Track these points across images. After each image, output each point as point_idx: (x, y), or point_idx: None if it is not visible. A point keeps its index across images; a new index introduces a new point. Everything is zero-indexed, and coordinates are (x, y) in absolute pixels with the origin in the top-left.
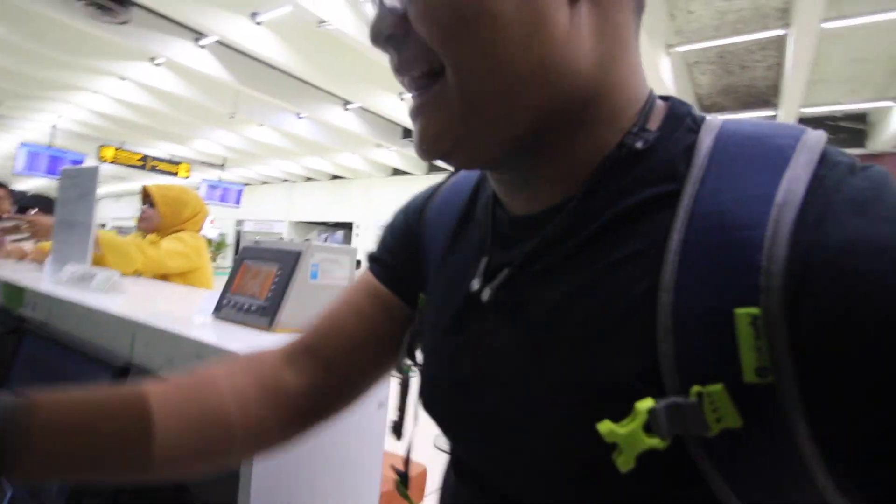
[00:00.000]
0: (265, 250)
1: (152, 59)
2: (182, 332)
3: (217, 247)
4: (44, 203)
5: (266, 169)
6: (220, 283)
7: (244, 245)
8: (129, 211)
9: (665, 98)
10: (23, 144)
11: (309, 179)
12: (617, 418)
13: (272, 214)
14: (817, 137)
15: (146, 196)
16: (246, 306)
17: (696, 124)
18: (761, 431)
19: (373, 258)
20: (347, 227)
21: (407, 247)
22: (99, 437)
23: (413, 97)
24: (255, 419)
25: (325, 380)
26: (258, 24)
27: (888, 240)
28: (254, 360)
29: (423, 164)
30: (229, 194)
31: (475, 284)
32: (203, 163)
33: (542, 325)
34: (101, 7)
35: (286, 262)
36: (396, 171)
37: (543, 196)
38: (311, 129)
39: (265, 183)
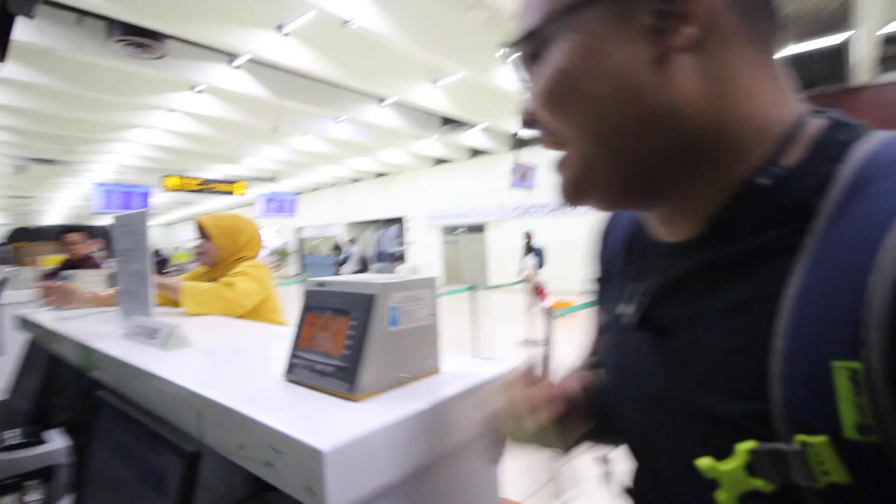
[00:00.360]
0: (333, 294)
1: (193, 88)
2: (252, 415)
3: (281, 256)
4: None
5: (315, 175)
6: (287, 294)
7: (307, 289)
8: (188, 236)
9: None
10: (97, 185)
11: (356, 180)
12: (728, 453)
13: (327, 218)
14: None
15: (201, 229)
16: (320, 366)
17: (841, 150)
18: (869, 490)
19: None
20: (398, 221)
21: (600, 268)
22: None
23: (549, 145)
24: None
25: None
26: (285, 35)
27: None
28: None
29: (466, 150)
30: (284, 205)
31: (621, 307)
32: (256, 178)
33: (673, 353)
34: (137, 45)
35: (359, 308)
36: (439, 161)
37: (681, 228)
38: (351, 131)
39: (316, 189)
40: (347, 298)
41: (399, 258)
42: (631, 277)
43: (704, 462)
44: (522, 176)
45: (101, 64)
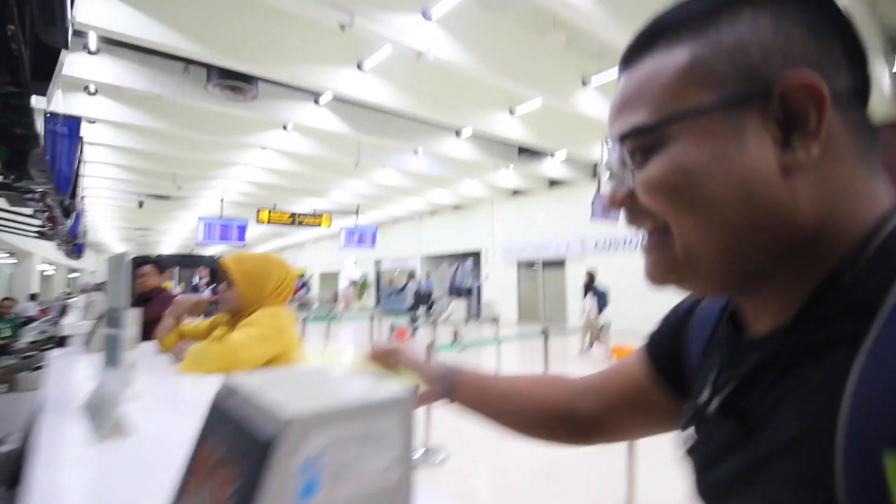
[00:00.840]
0: (231, 418)
1: (283, 126)
2: None
3: (361, 288)
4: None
5: (395, 208)
6: (355, 329)
7: (214, 397)
8: (295, 260)
9: None
10: (200, 218)
11: (433, 213)
12: None
13: (405, 251)
14: None
15: (223, 271)
16: None
17: None
18: None
19: (651, 340)
20: (475, 255)
21: (675, 348)
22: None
23: (643, 238)
24: (553, 411)
25: (603, 417)
26: (364, 72)
27: None
28: (562, 383)
29: (544, 180)
30: (365, 237)
31: (705, 395)
32: (340, 211)
33: (748, 443)
34: (233, 89)
35: (249, 457)
36: (516, 192)
37: (767, 320)
38: (429, 164)
39: (396, 222)
40: (240, 433)
41: (467, 293)
42: (713, 367)
43: None
44: (605, 207)
45: (203, 107)
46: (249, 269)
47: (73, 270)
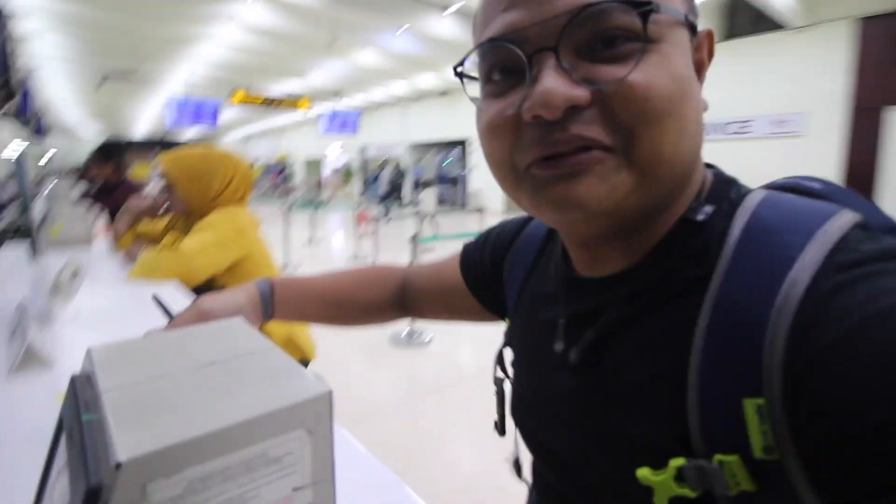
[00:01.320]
0: (77, 434)
1: None
2: None
3: (346, 175)
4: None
5: (379, 93)
6: (339, 219)
7: (74, 377)
8: (260, 151)
9: (708, 166)
10: (168, 99)
11: (419, 99)
12: (653, 467)
13: (390, 138)
14: (838, 227)
15: (164, 177)
16: None
17: (733, 206)
18: (773, 494)
19: (465, 254)
20: (462, 144)
21: (493, 264)
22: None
23: (555, 164)
24: (378, 308)
25: (422, 308)
26: None
27: (864, 346)
28: (387, 279)
29: None
30: (347, 122)
31: (559, 345)
32: (320, 96)
33: (603, 383)
34: None
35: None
36: None
37: (611, 263)
38: (412, 45)
39: (380, 108)
40: (76, 461)
41: (452, 182)
42: (551, 307)
43: (642, 472)
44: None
45: None
46: (188, 168)
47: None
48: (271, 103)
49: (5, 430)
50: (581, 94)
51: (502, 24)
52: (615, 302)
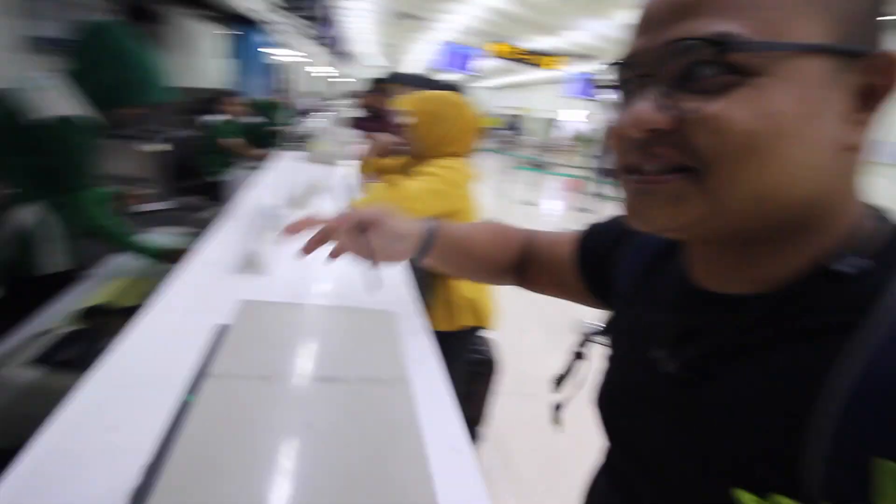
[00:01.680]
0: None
1: None
2: None
3: (586, 143)
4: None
5: None
6: (561, 185)
7: None
8: (512, 101)
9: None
10: (438, 43)
11: None
12: (746, 488)
13: None
14: None
15: (407, 115)
16: None
17: None
18: None
19: (590, 232)
20: None
21: (604, 255)
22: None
23: (637, 179)
24: (501, 270)
25: (532, 268)
26: None
27: None
28: (511, 239)
29: None
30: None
31: (661, 352)
32: (577, 55)
33: (704, 401)
34: None
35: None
36: None
37: (741, 282)
38: None
39: None
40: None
41: None
42: (661, 311)
43: (745, 497)
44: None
45: None
46: (427, 110)
47: (335, 77)
48: (526, 58)
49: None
50: (661, 119)
51: (629, 48)
52: (731, 324)
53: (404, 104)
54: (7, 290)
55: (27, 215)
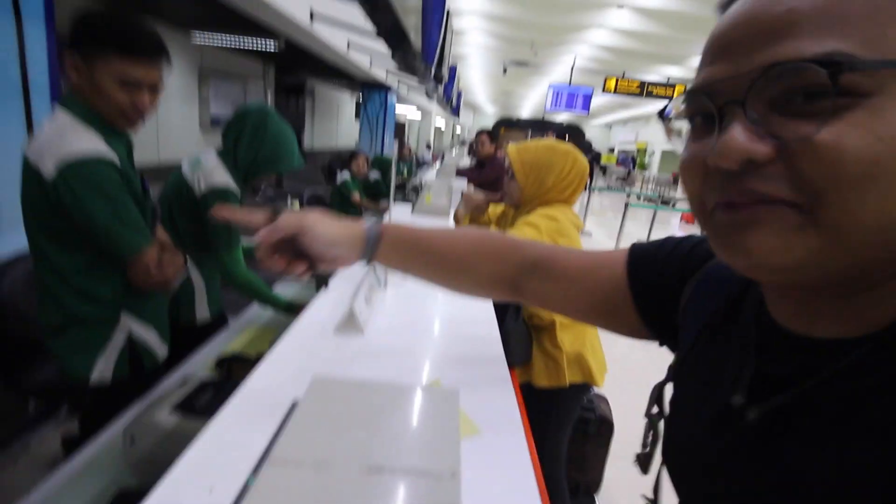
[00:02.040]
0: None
1: None
2: None
3: None
4: (572, 132)
5: None
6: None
7: None
8: (630, 136)
9: None
10: (550, 86)
11: None
12: None
13: None
14: None
15: (509, 164)
16: None
17: None
18: None
19: (637, 255)
20: None
21: (676, 280)
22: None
23: (737, 210)
24: (491, 283)
25: (550, 294)
26: None
27: None
28: (507, 253)
29: None
30: None
31: (738, 399)
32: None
33: (791, 454)
34: None
35: None
36: None
37: (820, 323)
38: None
39: None
40: None
41: None
42: (737, 355)
43: None
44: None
45: None
46: (530, 160)
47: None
48: (644, 91)
49: (299, 376)
50: (761, 149)
51: (703, 76)
52: (825, 371)
53: (509, 154)
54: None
55: (189, 273)
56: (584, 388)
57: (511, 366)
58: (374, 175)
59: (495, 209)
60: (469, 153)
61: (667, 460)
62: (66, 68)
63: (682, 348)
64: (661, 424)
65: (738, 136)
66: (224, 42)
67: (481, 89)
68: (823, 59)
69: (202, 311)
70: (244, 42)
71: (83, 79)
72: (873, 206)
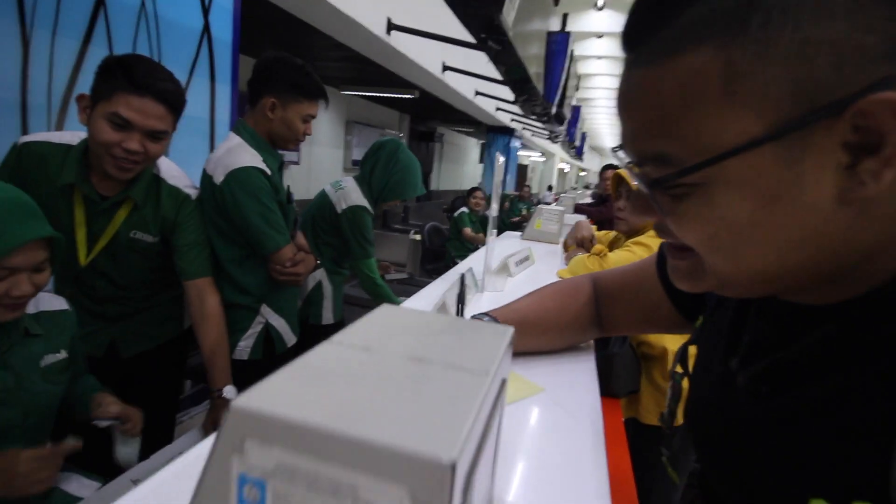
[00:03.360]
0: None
1: None
2: None
3: None
4: None
5: None
6: None
7: None
8: None
9: None
10: None
11: None
12: (829, 500)
13: None
14: None
15: (619, 185)
16: None
17: None
18: None
19: (661, 256)
20: None
21: None
22: None
23: (667, 252)
24: (579, 326)
25: (620, 316)
26: None
27: None
28: (577, 295)
29: None
30: None
31: (734, 363)
32: None
33: (787, 416)
34: None
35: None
36: None
37: (812, 296)
38: None
39: None
40: None
41: None
42: (740, 318)
43: None
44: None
45: None
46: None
47: (582, 170)
48: None
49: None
50: (655, 213)
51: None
52: (804, 338)
53: (625, 176)
54: (298, 337)
55: (319, 279)
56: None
57: (614, 395)
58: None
59: (607, 235)
60: (595, 190)
61: (687, 413)
62: (264, 107)
63: (704, 315)
64: (685, 384)
65: (644, 197)
66: (367, 93)
67: (608, 131)
68: (653, 157)
69: (328, 315)
70: (385, 93)
71: (276, 114)
72: (728, 266)
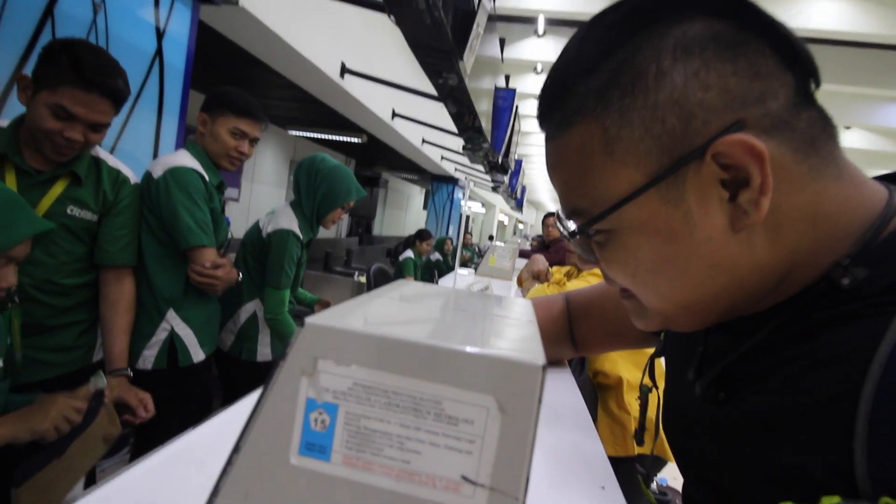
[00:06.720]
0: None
1: None
2: None
3: None
4: None
5: None
6: None
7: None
8: None
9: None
10: None
11: None
12: (799, 500)
13: None
14: None
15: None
16: None
17: None
18: None
19: None
20: None
21: None
22: None
23: (621, 295)
24: (556, 343)
25: (593, 332)
26: None
27: None
28: (550, 307)
29: None
30: None
31: (691, 374)
32: None
33: (744, 418)
34: None
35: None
36: None
37: (755, 308)
38: None
39: None
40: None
41: None
42: (693, 338)
43: None
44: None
45: None
46: None
47: (520, 222)
48: None
49: None
50: (593, 258)
51: None
52: (740, 346)
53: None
54: (220, 371)
55: (254, 311)
56: (656, 462)
57: None
58: (435, 256)
59: (560, 270)
60: (538, 239)
61: (663, 423)
62: (199, 124)
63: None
64: (652, 398)
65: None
66: (315, 135)
67: (544, 187)
68: (571, 212)
69: (264, 351)
70: (332, 135)
71: (206, 128)
72: (658, 302)
